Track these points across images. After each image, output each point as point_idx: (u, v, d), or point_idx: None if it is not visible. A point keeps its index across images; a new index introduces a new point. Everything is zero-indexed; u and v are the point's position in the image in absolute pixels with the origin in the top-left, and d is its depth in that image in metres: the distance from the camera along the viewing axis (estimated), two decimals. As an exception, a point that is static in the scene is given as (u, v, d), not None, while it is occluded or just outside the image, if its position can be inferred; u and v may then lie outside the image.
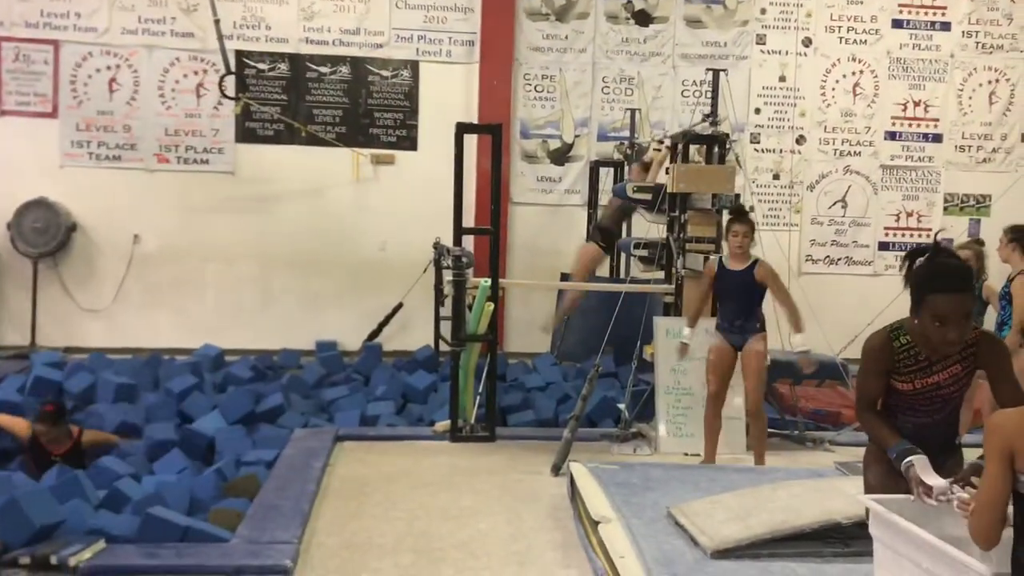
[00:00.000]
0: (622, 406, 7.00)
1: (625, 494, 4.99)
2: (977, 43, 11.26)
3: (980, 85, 11.31)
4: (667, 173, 7.39)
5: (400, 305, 10.11)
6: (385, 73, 10.61)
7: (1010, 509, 2.46)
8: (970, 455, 6.24)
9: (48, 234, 9.89)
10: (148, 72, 10.28)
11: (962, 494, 2.87)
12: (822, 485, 4.79)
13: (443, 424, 6.94)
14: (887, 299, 9.18)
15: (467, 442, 6.74)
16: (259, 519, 4.82)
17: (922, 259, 3.16)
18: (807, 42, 11.08)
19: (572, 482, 5.28)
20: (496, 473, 6.00)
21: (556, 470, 5.94)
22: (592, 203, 10.29)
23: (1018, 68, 11.31)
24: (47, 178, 10.05)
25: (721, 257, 6.29)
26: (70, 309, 10.16)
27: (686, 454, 6.44)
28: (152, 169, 10.33)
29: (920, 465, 3.03)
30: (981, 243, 7.15)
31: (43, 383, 7.78)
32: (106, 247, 10.24)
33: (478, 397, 6.96)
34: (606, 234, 9.18)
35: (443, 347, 7.81)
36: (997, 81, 11.32)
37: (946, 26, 11.19)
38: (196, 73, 10.32)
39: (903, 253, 3.32)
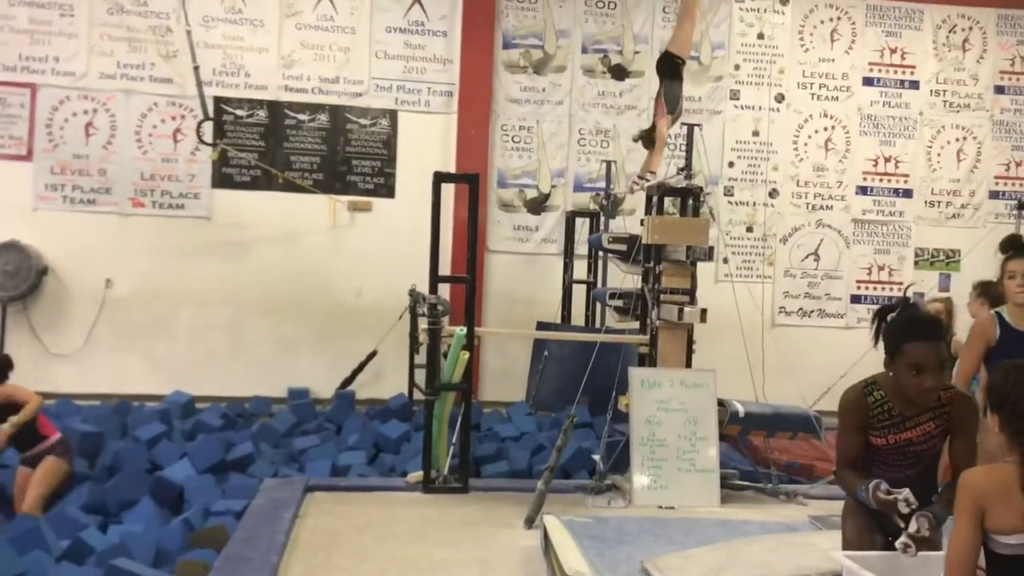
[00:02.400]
0: (597, 457, 6.96)
1: (599, 548, 4.94)
2: (945, 102, 11.53)
3: (948, 142, 11.55)
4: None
5: (374, 352, 10.06)
6: (364, 121, 10.68)
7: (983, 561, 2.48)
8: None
9: (19, 277, 9.79)
10: (125, 116, 10.28)
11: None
12: (796, 539, 4.78)
13: (416, 475, 6.86)
14: (859, 351, 9.26)
15: (440, 493, 6.66)
16: (227, 571, 4.71)
17: (893, 314, 3.20)
18: (780, 98, 11.30)
19: (546, 535, 5.22)
20: (469, 525, 5.92)
21: (530, 522, 5.88)
22: (568, 252, 10.34)
23: (984, 127, 11.58)
24: (20, 221, 9.97)
25: (998, 312, 5.05)
26: (38, 353, 10.02)
27: (660, 507, 6.40)
28: (127, 213, 10.28)
29: (886, 486, 3.09)
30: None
31: (8, 429, 7.61)
32: (77, 291, 10.14)
33: (452, 447, 6.90)
34: None
35: (417, 396, 7.76)
36: (964, 139, 11.57)
37: (915, 84, 11.46)
38: (174, 118, 10.34)
39: (875, 307, 3.37)
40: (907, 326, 3.13)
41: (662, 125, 7.43)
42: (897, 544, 3.02)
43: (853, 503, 3.37)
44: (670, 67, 7.47)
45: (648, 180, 7.35)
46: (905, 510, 3.01)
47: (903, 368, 3.09)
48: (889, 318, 3.25)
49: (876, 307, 3.39)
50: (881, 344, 3.30)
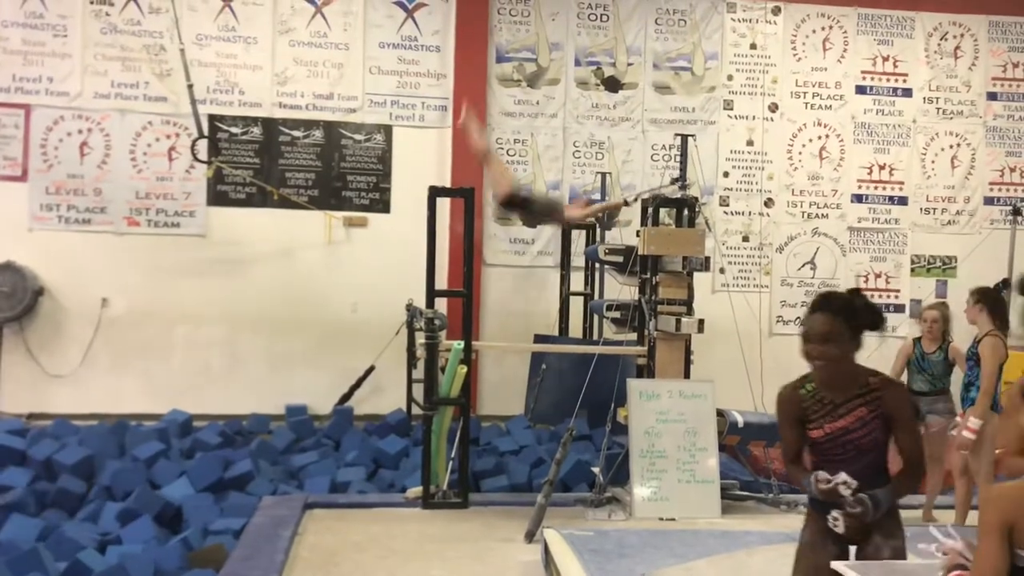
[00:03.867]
0: (596, 470, 6.94)
1: (600, 561, 4.92)
2: (938, 109, 11.56)
3: (942, 149, 11.57)
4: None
5: (372, 368, 10.04)
6: (358, 137, 10.68)
7: None
8: (944, 516, 6.23)
9: (15, 298, 9.76)
10: (120, 136, 10.28)
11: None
12: (797, 550, 4.75)
13: (415, 490, 6.84)
14: (858, 359, 9.28)
15: (439, 508, 6.64)
16: (225, 591, 4.69)
17: None
18: (773, 107, 11.32)
19: (546, 549, 5.20)
20: (468, 541, 5.90)
21: (530, 537, 5.86)
22: (565, 265, 10.34)
23: (977, 133, 11.61)
24: (15, 242, 9.95)
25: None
26: (35, 374, 9.98)
27: (661, 518, 6.38)
28: (122, 232, 10.27)
29: (825, 474, 3.19)
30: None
31: (4, 451, 7.60)
32: (74, 311, 10.11)
33: (451, 462, 6.87)
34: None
35: (415, 411, 7.74)
36: (958, 145, 11.59)
37: (908, 92, 11.49)
38: (168, 137, 10.34)
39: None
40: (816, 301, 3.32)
41: (577, 212, 7.89)
42: (829, 518, 3.14)
43: (809, 509, 3.42)
44: (520, 203, 7.12)
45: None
46: (846, 492, 3.10)
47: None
48: None
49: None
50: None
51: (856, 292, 3.42)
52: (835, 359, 3.23)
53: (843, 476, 3.13)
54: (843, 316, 3.25)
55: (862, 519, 3.14)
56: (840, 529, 3.12)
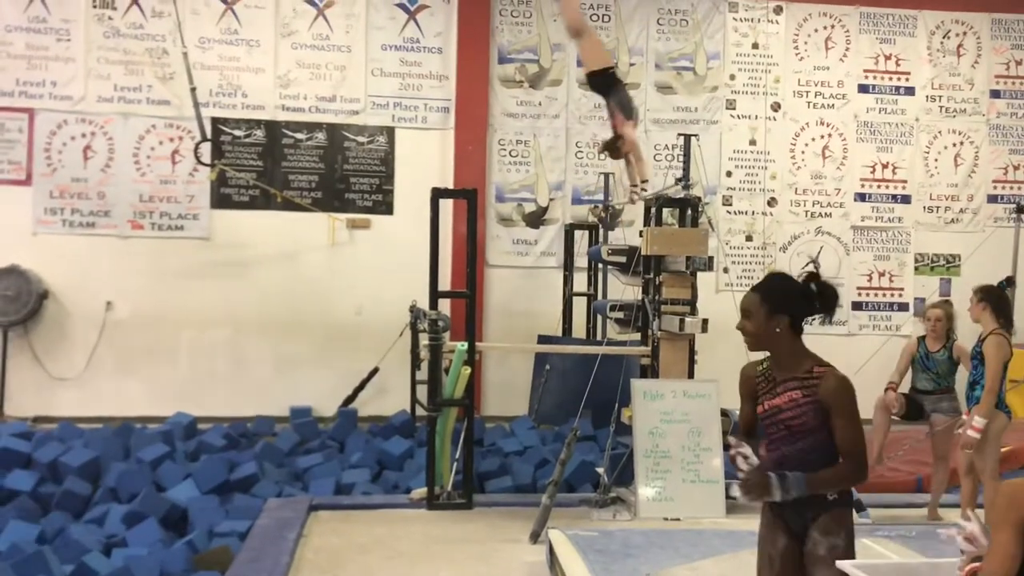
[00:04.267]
0: (601, 470, 6.94)
1: (605, 561, 4.92)
2: (941, 107, 11.55)
3: (945, 148, 11.56)
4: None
5: (376, 369, 10.05)
6: (361, 139, 10.70)
7: None
8: (949, 515, 6.22)
9: (19, 302, 9.78)
10: (123, 139, 10.30)
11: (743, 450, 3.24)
12: (803, 549, 4.74)
13: (420, 491, 6.84)
14: (862, 358, 9.27)
15: (444, 510, 6.64)
16: (231, 593, 4.70)
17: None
18: (776, 107, 11.32)
19: (551, 550, 5.20)
20: (473, 542, 5.90)
21: (535, 537, 5.86)
22: (568, 265, 10.34)
23: (981, 131, 11.59)
24: (19, 245, 9.98)
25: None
26: (40, 378, 10.01)
27: (666, 518, 6.37)
28: (126, 236, 10.29)
29: (736, 440, 3.35)
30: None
31: (10, 454, 7.61)
32: (78, 314, 10.14)
33: (455, 463, 6.87)
34: None
35: (420, 412, 7.74)
36: (961, 144, 11.58)
37: (910, 91, 11.48)
38: (172, 140, 10.36)
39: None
40: None
41: (630, 131, 7.24)
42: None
43: (760, 537, 3.49)
44: (607, 80, 7.16)
45: (644, 188, 7.29)
46: (743, 465, 3.24)
47: None
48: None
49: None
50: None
51: (811, 276, 3.55)
52: (749, 332, 3.39)
53: (745, 449, 3.26)
54: (761, 294, 3.40)
55: (760, 494, 3.22)
56: (738, 498, 3.33)
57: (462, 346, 6.82)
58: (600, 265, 9.63)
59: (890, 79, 11.48)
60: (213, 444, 8.27)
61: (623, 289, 8.43)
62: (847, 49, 11.41)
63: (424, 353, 6.99)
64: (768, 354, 3.47)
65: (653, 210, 7.24)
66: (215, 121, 10.30)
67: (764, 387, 3.43)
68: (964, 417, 6.20)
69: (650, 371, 7.14)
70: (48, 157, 10.19)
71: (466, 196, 7.07)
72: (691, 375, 7.09)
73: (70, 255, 10.10)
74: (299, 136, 10.60)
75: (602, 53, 7.58)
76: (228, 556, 5.39)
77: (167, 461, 7.54)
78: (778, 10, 11.32)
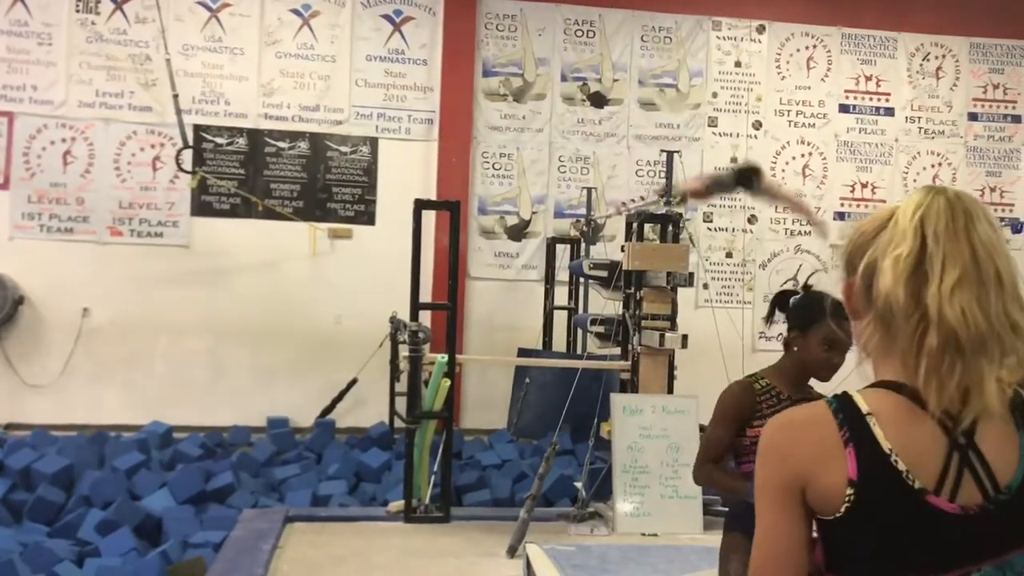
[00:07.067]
0: (579, 485, 6.93)
1: (582, 576, 4.91)
2: (920, 128, 11.68)
3: (924, 168, 11.68)
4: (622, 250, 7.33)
5: (355, 380, 10.00)
6: (344, 149, 10.68)
7: None
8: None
9: (-6, 307, 9.68)
10: (104, 145, 10.23)
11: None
12: (779, 566, 4.75)
13: (397, 504, 6.80)
14: (840, 375, 9.31)
15: (421, 523, 6.61)
16: (204, 605, 4.65)
17: (797, 298, 3.33)
18: (757, 125, 11.40)
19: (528, 564, 5.18)
20: (450, 555, 5.88)
21: (512, 551, 5.84)
22: (549, 279, 10.35)
23: (958, 153, 11.73)
24: (-5, 250, 9.89)
25: None
26: (14, 384, 9.89)
27: (643, 534, 6.37)
28: (104, 242, 10.21)
29: None
30: None
31: (-19, 461, 7.52)
32: (54, 321, 10.03)
33: (433, 476, 6.85)
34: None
35: (398, 424, 7.70)
36: (939, 165, 11.71)
37: (890, 111, 11.61)
38: (153, 147, 10.30)
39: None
40: (825, 304, 3.24)
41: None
42: None
43: (739, 536, 3.22)
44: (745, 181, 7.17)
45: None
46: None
47: (815, 343, 3.17)
48: (794, 300, 3.37)
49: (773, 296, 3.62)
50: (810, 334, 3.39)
51: (818, 292, 3.52)
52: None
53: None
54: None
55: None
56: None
57: (442, 358, 6.81)
58: (581, 279, 9.65)
59: (870, 99, 11.60)
60: (189, 453, 8.20)
61: (604, 303, 8.45)
62: (828, 69, 11.53)
63: (404, 365, 6.97)
64: (757, 371, 3.41)
65: (635, 225, 7.27)
66: (197, 128, 10.25)
67: (771, 404, 3.28)
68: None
69: (630, 386, 7.15)
70: (27, 161, 10.10)
71: (449, 208, 7.07)
72: (671, 390, 7.11)
73: (47, 261, 10.00)
74: (282, 145, 10.57)
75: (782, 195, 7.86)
76: (202, 567, 5.34)
77: (142, 470, 7.47)
78: (761, 29, 11.42)
